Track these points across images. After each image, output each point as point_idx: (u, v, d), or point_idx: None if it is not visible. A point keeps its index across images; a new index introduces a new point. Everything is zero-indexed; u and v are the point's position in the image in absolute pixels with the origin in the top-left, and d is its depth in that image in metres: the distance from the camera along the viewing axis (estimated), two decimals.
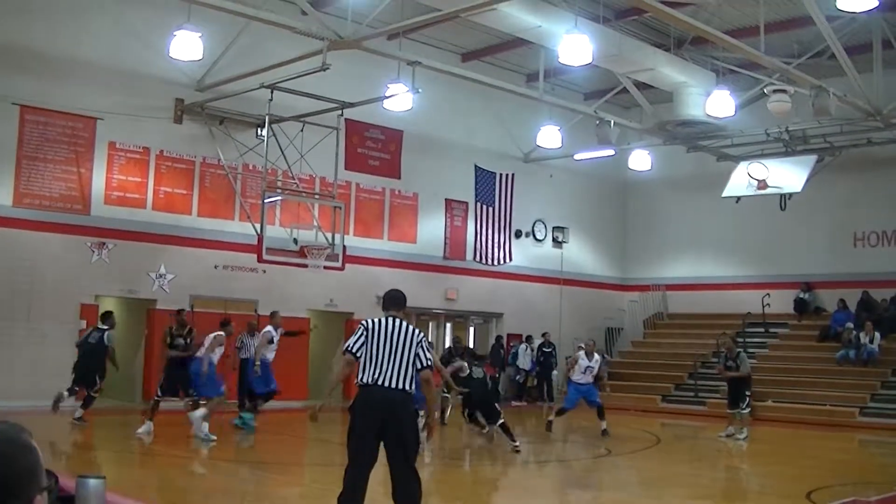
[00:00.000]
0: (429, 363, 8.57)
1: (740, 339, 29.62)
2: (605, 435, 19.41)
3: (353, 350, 8.42)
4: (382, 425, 8.17)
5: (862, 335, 26.67)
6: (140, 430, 16.88)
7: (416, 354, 8.42)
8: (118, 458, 15.58)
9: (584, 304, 32.80)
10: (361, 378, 8.40)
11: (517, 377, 29.91)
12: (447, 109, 28.16)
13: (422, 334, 8.62)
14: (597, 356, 20.44)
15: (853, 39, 22.88)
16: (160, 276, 22.98)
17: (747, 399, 20.78)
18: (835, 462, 18.11)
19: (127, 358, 23.11)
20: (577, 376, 20.04)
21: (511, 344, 30.15)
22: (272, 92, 21.34)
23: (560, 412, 20.41)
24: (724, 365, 21.07)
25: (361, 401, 8.35)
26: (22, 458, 2.47)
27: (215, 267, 23.88)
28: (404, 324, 8.55)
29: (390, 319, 8.55)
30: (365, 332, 8.46)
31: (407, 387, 8.33)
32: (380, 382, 8.25)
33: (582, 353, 20.32)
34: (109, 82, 22.08)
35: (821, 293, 30.35)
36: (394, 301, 8.83)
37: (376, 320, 8.56)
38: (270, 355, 19.01)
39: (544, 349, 29.56)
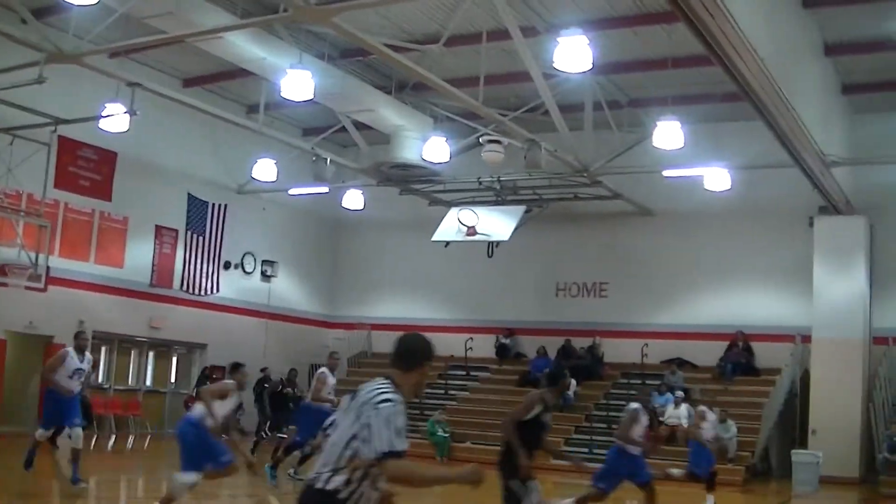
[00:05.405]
0: None
1: (441, 381, 30.33)
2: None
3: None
4: None
5: None
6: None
7: None
8: None
9: (289, 339, 32.69)
10: None
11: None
12: (164, 134, 27.55)
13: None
14: (88, 356, 15.75)
15: (567, 98, 23.87)
16: None
17: None
18: None
19: None
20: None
21: (215, 376, 29.60)
22: None
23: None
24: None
25: None
26: None
27: None
28: None
29: None
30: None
31: None
32: None
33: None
34: None
35: (523, 340, 31.48)
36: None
37: None
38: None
39: (264, 385, 29.12)
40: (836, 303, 25.60)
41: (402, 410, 5.68)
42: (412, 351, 6.08)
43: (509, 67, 22.53)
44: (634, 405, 14.26)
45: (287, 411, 25.69)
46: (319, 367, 32.71)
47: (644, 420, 13.81)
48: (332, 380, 18.25)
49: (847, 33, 22.09)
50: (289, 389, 26.59)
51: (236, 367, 13.57)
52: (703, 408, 18.96)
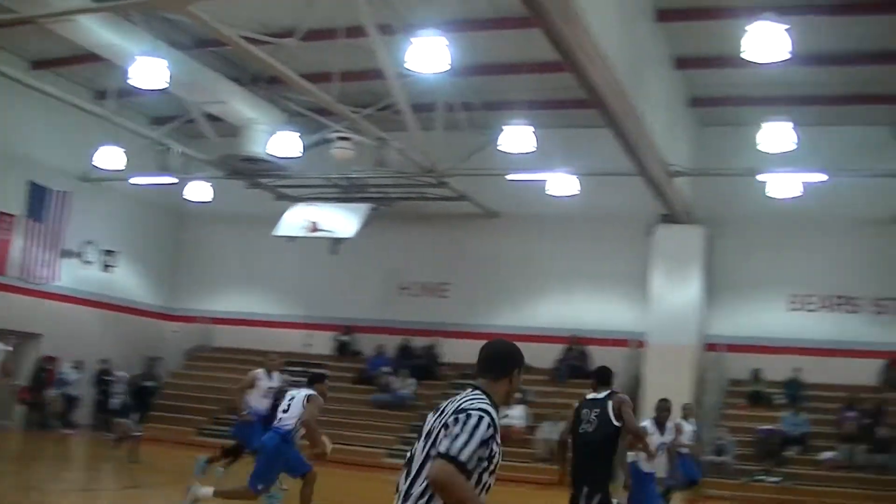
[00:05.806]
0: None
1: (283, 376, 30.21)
2: None
3: None
4: None
5: (398, 380, 27.98)
6: None
7: None
8: None
9: (128, 330, 32.12)
10: None
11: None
12: (8, 117, 26.69)
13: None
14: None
15: (422, 98, 23.82)
16: None
17: None
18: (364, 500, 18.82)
19: None
20: None
21: (50, 367, 28.99)
22: None
23: None
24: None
25: None
26: None
27: None
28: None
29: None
30: None
31: None
32: None
33: None
34: None
35: (363, 337, 31.58)
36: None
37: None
38: None
39: (104, 377, 28.51)
40: (670, 310, 26.45)
41: (492, 424, 5.29)
42: (501, 357, 5.71)
43: (365, 64, 22.37)
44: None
45: (148, 403, 25.43)
46: (157, 359, 32.52)
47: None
48: (265, 383, 17.47)
49: (696, 48, 22.85)
50: (150, 382, 26.27)
51: (319, 379, 13.17)
52: (679, 420, 18.91)
